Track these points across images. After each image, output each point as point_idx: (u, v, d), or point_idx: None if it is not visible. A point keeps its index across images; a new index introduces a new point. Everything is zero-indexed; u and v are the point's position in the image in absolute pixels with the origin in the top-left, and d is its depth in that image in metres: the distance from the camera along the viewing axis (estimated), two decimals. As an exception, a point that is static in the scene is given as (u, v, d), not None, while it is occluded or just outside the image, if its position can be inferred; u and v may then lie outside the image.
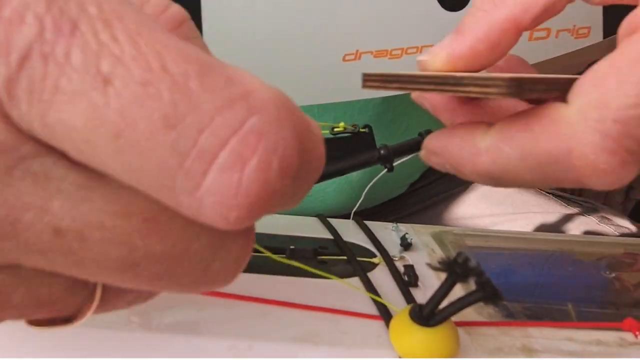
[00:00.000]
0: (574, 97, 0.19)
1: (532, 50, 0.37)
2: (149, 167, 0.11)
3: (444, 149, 0.23)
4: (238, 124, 0.11)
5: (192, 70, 0.11)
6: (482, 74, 0.19)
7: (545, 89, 0.19)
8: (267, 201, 0.11)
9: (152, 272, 0.12)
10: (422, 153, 0.24)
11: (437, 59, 0.24)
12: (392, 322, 0.23)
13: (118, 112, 0.11)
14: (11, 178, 0.11)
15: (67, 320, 0.14)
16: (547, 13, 0.23)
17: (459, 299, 0.20)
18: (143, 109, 0.11)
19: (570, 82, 0.20)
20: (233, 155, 0.11)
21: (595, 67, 0.19)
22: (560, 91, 0.20)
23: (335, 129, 0.34)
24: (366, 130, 0.32)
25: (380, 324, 0.25)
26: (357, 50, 0.36)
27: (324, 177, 0.34)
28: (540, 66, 0.37)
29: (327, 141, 0.30)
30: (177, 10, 0.15)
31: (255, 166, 0.11)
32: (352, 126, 0.34)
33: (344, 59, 0.36)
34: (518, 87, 0.18)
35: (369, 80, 0.22)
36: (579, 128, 0.18)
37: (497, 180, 0.22)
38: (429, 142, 0.23)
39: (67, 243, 0.12)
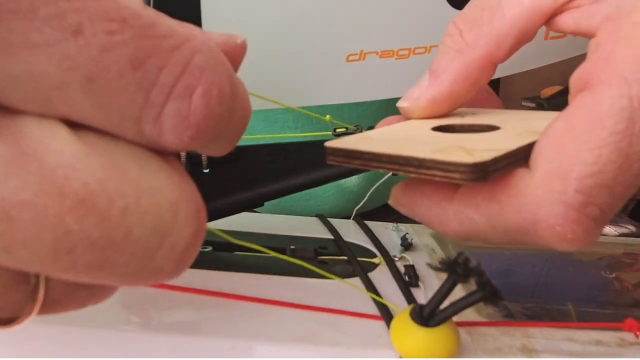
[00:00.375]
0: (536, 164, 0.19)
1: (548, 50, 0.37)
2: (119, 103, 0.12)
3: (412, 206, 0.23)
4: (186, 61, 0.13)
5: (145, 22, 0.13)
6: (445, 156, 0.19)
7: (507, 164, 0.20)
8: (210, 123, 0.14)
9: (91, 260, 0.12)
10: (390, 201, 0.25)
11: (418, 106, 0.24)
12: (393, 323, 0.23)
13: (90, 58, 0.12)
14: None
15: (8, 321, 0.13)
16: (520, 43, 0.23)
17: (460, 299, 0.20)
18: (113, 54, 0.12)
19: (529, 151, 0.20)
20: (183, 86, 0.13)
21: (554, 127, 0.20)
22: (524, 158, 0.20)
23: (338, 130, 0.33)
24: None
25: (380, 324, 0.25)
26: (361, 51, 0.35)
27: (328, 179, 0.34)
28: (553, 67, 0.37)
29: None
30: None
31: (200, 93, 0.13)
32: (355, 127, 0.34)
33: (347, 60, 0.35)
34: (482, 172, 0.19)
35: (332, 154, 0.21)
36: (543, 200, 0.19)
37: (468, 240, 0.22)
38: (397, 193, 0.23)
39: None
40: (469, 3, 0.24)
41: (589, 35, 0.21)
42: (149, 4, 0.34)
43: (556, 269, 0.36)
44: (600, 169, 0.18)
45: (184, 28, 0.14)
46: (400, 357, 0.22)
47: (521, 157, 0.20)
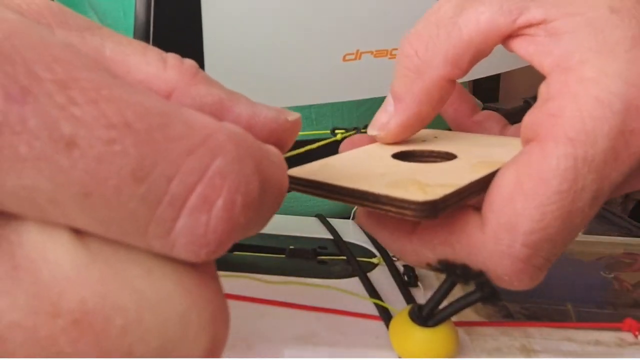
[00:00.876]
0: (487, 217, 0.20)
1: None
2: (120, 219, 0.11)
3: (376, 233, 0.24)
4: (203, 167, 0.11)
5: (154, 122, 0.11)
6: (398, 192, 0.20)
7: (458, 200, 0.21)
8: (233, 234, 0.12)
9: None
10: (355, 220, 0.25)
11: (390, 133, 0.25)
12: (392, 323, 0.23)
13: (86, 172, 0.10)
14: None
15: None
16: (476, 60, 0.23)
17: (459, 299, 0.20)
18: (111, 167, 0.11)
19: (481, 185, 0.21)
20: (201, 198, 0.11)
21: (505, 180, 0.20)
22: (476, 192, 0.21)
23: (337, 130, 0.33)
24: (365, 130, 0.32)
25: (379, 324, 0.25)
26: (357, 50, 0.36)
27: None
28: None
29: (328, 145, 0.30)
30: (190, 63, 0.16)
31: (221, 206, 0.12)
32: (354, 129, 0.34)
33: (344, 59, 0.36)
34: (432, 210, 0.19)
35: (294, 183, 0.22)
36: (492, 253, 0.20)
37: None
38: (361, 216, 0.24)
39: None
40: (422, 19, 0.24)
41: (540, 71, 0.22)
42: (149, 4, 0.34)
43: (555, 269, 0.36)
44: (545, 225, 0.19)
45: (207, 120, 0.12)
46: (399, 357, 0.22)
47: (474, 190, 0.21)
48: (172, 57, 0.15)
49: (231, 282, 0.29)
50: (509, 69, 0.39)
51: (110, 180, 0.11)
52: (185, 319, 0.12)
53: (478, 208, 0.22)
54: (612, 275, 0.35)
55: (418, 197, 0.19)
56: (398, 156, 0.24)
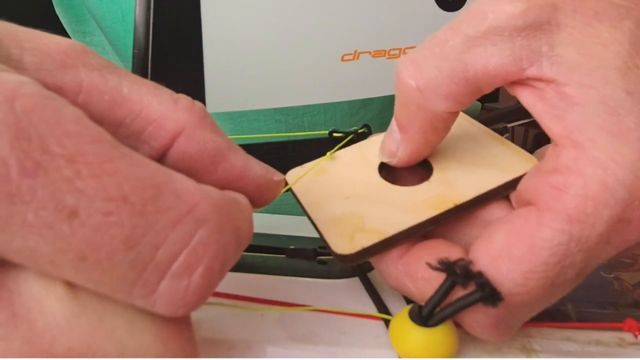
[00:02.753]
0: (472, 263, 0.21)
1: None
2: (109, 280, 0.12)
3: None
4: (188, 237, 0.13)
5: (147, 195, 0.12)
6: (328, 234, 0.23)
7: (382, 248, 0.23)
8: (209, 294, 0.13)
9: None
10: None
11: (400, 161, 0.25)
12: (392, 323, 0.23)
13: (83, 240, 0.12)
14: None
15: None
16: (477, 97, 0.23)
17: (458, 300, 0.20)
18: (106, 236, 0.12)
19: (419, 228, 0.23)
20: (183, 265, 0.13)
21: (495, 239, 0.21)
22: (415, 235, 0.23)
23: (335, 134, 0.34)
24: (365, 130, 0.32)
25: (379, 324, 0.25)
26: (355, 50, 0.36)
27: None
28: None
29: (325, 142, 0.30)
30: (200, 106, 0.17)
31: (202, 273, 0.13)
32: (353, 133, 0.34)
33: (342, 59, 0.36)
34: (347, 261, 0.22)
35: (284, 186, 0.26)
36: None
37: None
38: None
39: None
40: (423, 47, 0.23)
41: (547, 133, 0.21)
42: (149, 5, 0.34)
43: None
44: (526, 290, 0.20)
45: (194, 188, 0.13)
46: (399, 357, 0.22)
47: (411, 233, 0.23)
48: (183, 99, 0.17)
49: (231, 282, 0.29)
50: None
51: (104, 247, 0.12)
52: None
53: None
54: (612, 275, 0.35)
55: (336, 247, 0.22)
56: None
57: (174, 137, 0.16)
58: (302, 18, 0.35)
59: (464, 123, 0.28)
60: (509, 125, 0.45)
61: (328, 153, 0.28)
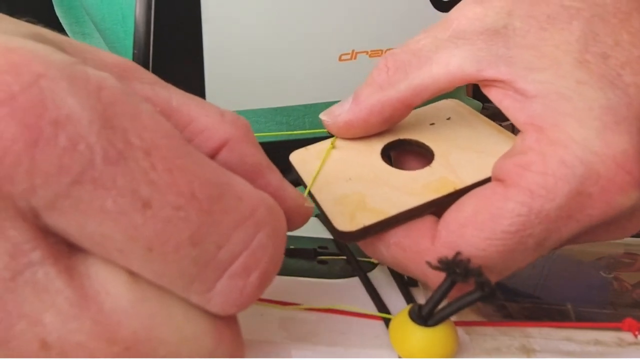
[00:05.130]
0: (440, 231, 0.23)
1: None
2: (171, 273, 0.13)
3: None
4: (249, 239, 0.13)
5: (214, 194, 0.13)
6: (332, 215, 0.24)
7: (384, 227, 0.23)
8: (260, 295, 0.14)
9: None
10: None
11: (336, 124, 0.27)
12: (392, 322, 0.23)
13: (153, 231, 0.12)
14: (15, 284, 0.12)
15: None
16: (436, 94, 0.25)
17: (458, 299, 0.20)
18: (175, 229, 0.12)
19: (421, 210, 0.24)
20: (242, 266, 0.13)
21: (465, 205, 0.22)
22: (417, 215, 0.24)
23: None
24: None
25: (379, 324, 0.25)
26: (352, 50, 0.37)
27: None
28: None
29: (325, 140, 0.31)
30: (245, 121, 0.18)
31: (258, 275, 0.14)
32: None
33: (340, 59, 0.37)
34: (348, 239, 0.23)
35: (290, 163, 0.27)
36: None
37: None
38: None
39: (49, 356, 0.12)
40: (405, 44, 0.26)
41: (515, 125, 0.24)
42: (149, 6, 0.34)
43: (555, 269, 0.36)
44: (486, 255, 0.21)
45: (252, 192, 0.14)
46: (399, 357, 0.22)
47: (413, 214, 0.24)
48: (228, 113, 0.18)
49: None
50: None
51: (171, 240, 0.12)
52: (213, 354, 0.14)
53: (439, 218, 0.24)
54: (612, 275, 0.35)
55: (338, 224, 0.23)
56: (391, 145, 0.27)
57: (219, 147, 0.17)
58: (300, 18, 0.35)
59: (465, 112, 0.29)
60: (508, 123, 0.46)
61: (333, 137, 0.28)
